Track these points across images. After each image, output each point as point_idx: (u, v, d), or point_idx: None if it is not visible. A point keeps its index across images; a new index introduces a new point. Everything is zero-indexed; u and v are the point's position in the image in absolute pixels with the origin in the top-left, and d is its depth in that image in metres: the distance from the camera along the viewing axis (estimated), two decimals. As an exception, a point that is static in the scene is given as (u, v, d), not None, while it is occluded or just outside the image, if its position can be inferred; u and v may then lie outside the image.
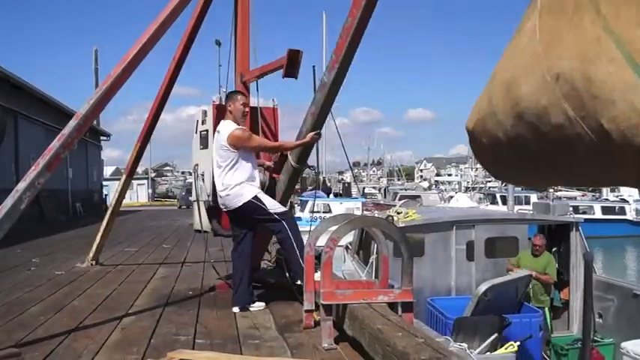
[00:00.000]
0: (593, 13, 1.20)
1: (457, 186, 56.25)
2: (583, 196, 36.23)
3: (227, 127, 4.43)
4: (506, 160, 1.59)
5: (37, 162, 4.05)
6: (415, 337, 2.75)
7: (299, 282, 4.16)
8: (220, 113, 5.11)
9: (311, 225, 4.33)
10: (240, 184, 4.36)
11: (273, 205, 4.43)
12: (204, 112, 5.36)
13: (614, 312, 7.00)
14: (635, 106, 1.10)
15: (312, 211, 16.68)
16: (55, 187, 18.25)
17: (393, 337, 2.76)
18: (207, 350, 3.45)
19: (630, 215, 29.99)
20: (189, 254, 8.59)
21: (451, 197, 31.21)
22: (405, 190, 45.20)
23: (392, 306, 3.56)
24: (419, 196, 33.79)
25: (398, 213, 7.52)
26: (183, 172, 63.24)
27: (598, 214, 28.89)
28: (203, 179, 5.20)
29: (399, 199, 26.50)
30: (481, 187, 43.25)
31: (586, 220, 9.85)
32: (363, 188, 48.05)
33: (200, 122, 5.42)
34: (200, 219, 5.17)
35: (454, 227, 7.37)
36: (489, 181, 47.08)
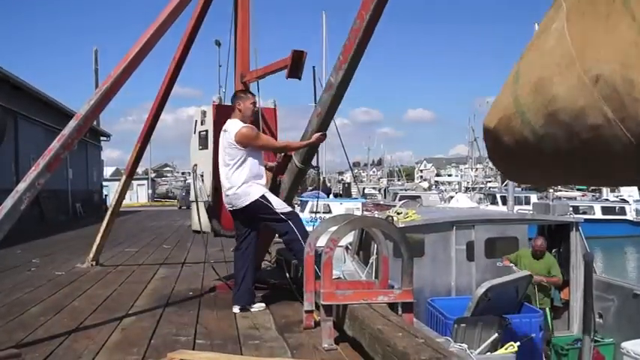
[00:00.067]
0: (628, 19, 1.24)
1: (457, 186, 56.34)
2: (583, 196, 36.23)
3: (235, 125, 4.44)
4: (524, 159, 1.62)
5: (37, 162, 4.05)
6: (415, 337, 2.75)
7: None
8: (220, 113, 5.11)
9: (314, 225, 4.31)
10: (247, 182, 4.36)
11: (279, 205, 4.43)
12: (203, 113, 5.34)
13: (615, 312, 7.00)
14: None
15: (314, 212, 16.66)
16: (55, 188, 18.25)
17: (393, 338, 2.76)
18: (208, 351, 3.45)
19: (630, 215, 29.97)
20: (189, 255, 8.59)
21: (451, 197, 31.21)
22: (405, 190, 45.28)
23: (392, 306, 3.56)
24: (419, 197, 33.80)
25: (398, 213, 7.52)
26: (183, 173, 63.29)
27: (598, 215, 28.87)
28: (203, 179, 5.19)
29: (399, 200, 26.47)
30: (481, 188, 43.26)
31: (586, 220, 9.84)
32: (363, 189, 48.10)
33: (199, 122, 5.40)
34: (199, 219, 5.17)
35: (454, 227, 7.36)
36: (489, 182, 47.13)
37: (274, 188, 4.79)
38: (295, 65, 4.87)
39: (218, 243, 7.45)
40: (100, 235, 7.44)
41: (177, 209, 30.35)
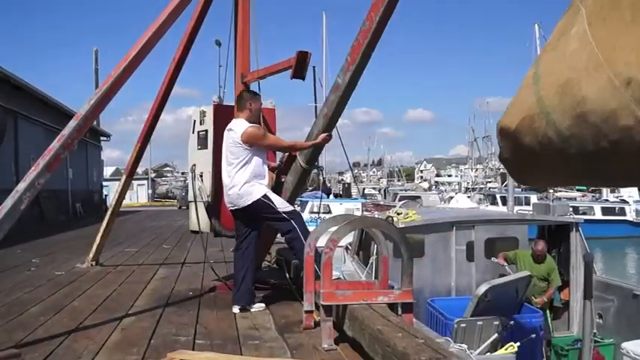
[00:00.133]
0: None
1: (457, 187, 56.39)
2: (583, 196, 36.17)
3: (241, 124, 4.45)
4: (543, 160, 1.66)
5: (37, 162, 4.05)
6: (415, 337, 2.75)
7: None
8: (220, 113, 5.10)
9: (316, 224, 4.32)
10: (249, 182, 4.37)
11: (281, 204, 4.44)
12: (202, 112, 5.34)
13: (614, 312, 7.00)
14: None
15: (317, 212, 16.66)
16: (55, 188, 18.25)
17: (393, 338, 2.76)
18: (207, 351, 3.45)
19: (630, 216, 29.95)
20: (189, 255, 8.60)
21: (451, 198, 31.26)
22: (405, 190, 45.29)
23: (392, 307, 3.56)
24: (419, 197, 33.78)
25: (398, 214, 7.51)
26: (183, 173, 63.15)
27: (598, 215, 28.85)
28: (202, 179, 5.19)
29: (399, 200, 26.48)
30: (481, 188, 43.24)
31: (586, 220, 9.82)
32: (363, 189, 48.12)
33: (198, 122, 5.39)
34: (198, 219, 5.16)
35: (454, 228, 7.36)
36: (489, 182, 47.14)
37: (278, 188, 4.79)
38: (300, 66, 4.87)
39: (218, 243, 7.44)
40: (99, 235, 7.44)
41: (177, 209, 30.31)
